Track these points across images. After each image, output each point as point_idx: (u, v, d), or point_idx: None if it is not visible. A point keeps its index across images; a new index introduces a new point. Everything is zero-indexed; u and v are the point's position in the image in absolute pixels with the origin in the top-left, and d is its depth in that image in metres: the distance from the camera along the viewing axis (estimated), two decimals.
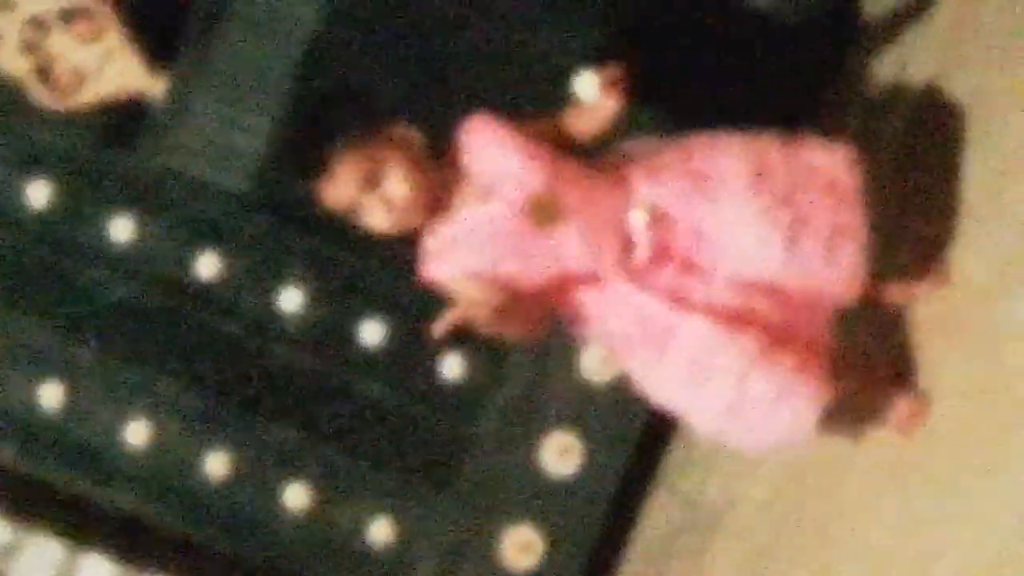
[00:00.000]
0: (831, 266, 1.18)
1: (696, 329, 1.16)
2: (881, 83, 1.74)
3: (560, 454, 1.67)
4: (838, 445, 1.40)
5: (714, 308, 1.17)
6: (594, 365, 1.68)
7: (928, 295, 1.31)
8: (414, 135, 1.19)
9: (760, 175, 1.18)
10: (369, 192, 1.13)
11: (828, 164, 1.22)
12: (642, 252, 1.17)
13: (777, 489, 1.63)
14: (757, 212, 1.16)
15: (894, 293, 1.33)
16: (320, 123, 1.63)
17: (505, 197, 1.16)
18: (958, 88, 1.42)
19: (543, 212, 1.17)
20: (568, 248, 1.17)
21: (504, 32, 1.64)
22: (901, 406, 1.26)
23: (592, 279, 1.20)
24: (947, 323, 1.28)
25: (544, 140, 1.19)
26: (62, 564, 1.67)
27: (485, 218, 1.17)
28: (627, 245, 1.17)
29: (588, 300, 1.21)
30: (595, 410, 1.68)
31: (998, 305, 1.17)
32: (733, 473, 1.73)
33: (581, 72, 1.18)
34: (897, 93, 1.64)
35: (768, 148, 1.21)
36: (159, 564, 1.70)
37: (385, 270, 1.67)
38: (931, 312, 1.30)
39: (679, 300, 1.18)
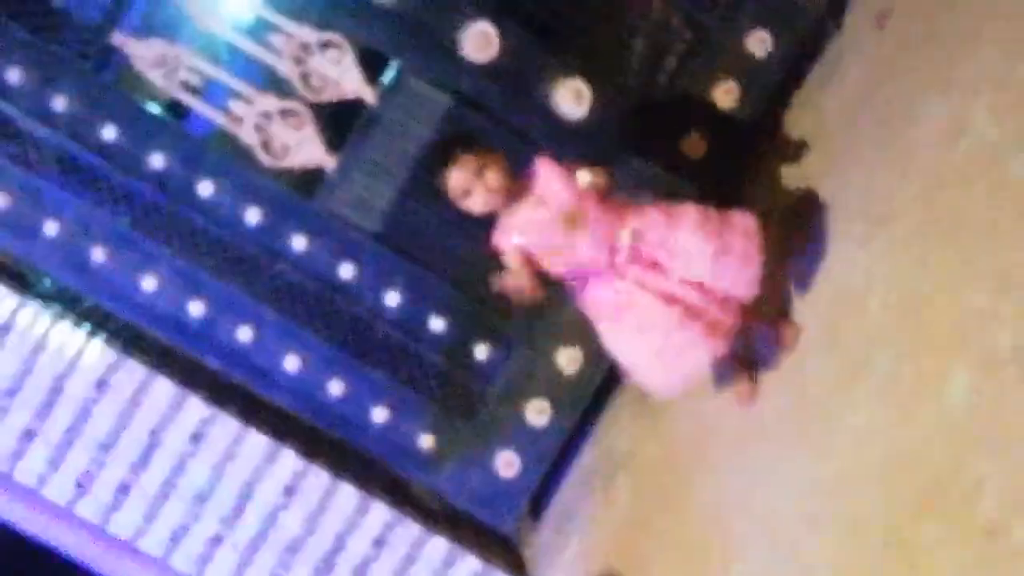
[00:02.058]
0: (739, 278, 2.00)
1: (645, 301, 1.98)
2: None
3: (537, 413, 2.82)
4: (705, 419, 2.42)
5: (663, 293, 1.97)
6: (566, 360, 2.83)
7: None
8: (502, 154, 2.09)
9: (704, 221, 2.06)
10: (477, 181, 1.98)
11: (744, 221, 2.08)
12: (622, 256, 2.00)
13: (660, 453, 2.74)
14: (699, 241, 2.00)
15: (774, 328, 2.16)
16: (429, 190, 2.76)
17: (551, 207, 2.02)
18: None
19: (570, 222, 2.00)
20: (580, 247, 1.99)
21: None
22: (743, 384, 2.17)
23: (591, 268, 2.01)
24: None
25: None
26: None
27: (537, 218, 2.01)
28: (615, 250, 2.00)
29: (586, 282, 2.04)
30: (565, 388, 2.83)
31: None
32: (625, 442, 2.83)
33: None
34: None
35: (709, 209, 2.10)
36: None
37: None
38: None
39: (640, 285, 1.98)
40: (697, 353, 2.05)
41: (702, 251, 2.01)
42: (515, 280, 2.04)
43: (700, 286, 2.00)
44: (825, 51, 2.75)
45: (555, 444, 2.87)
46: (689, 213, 2.09)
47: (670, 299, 1.99)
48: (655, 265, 2.02)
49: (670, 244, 2.02)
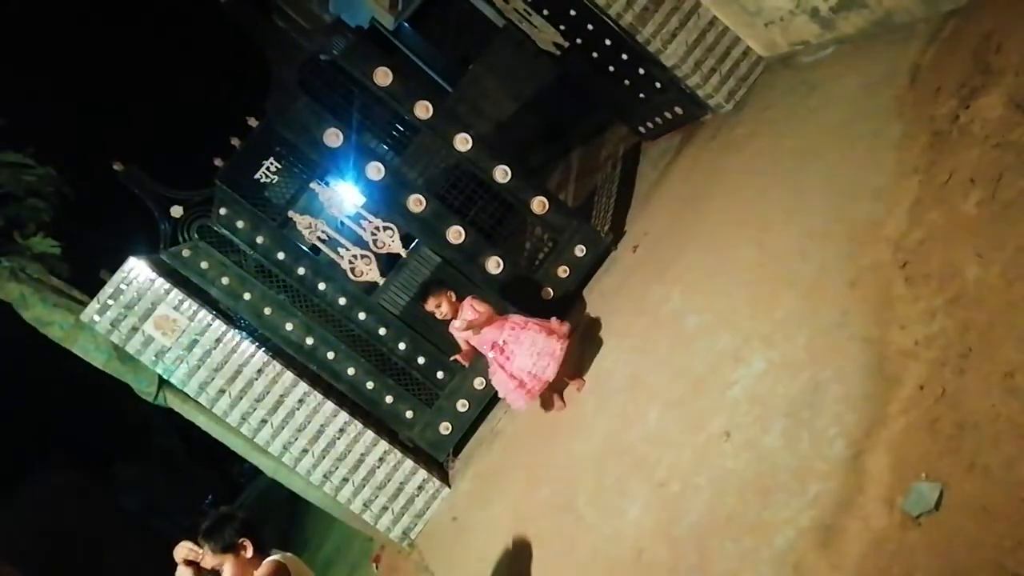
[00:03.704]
0: (547, 369, 5.41)
1: (498, 366, 5.49)
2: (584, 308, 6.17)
3: (462, 406, 6.13)
4: (538, 419, 5.81)
5: (508, 372, 5.51)
6: (478, 383, 6.14)
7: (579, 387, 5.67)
8: (451, 292, 5.51)
9: (539, 326, 5.53)
10: (437, 307, 5.36)
11: (562, 327, 5.48)
12: (498, 346, 5.52)
13: (515, 431, 6.05)
14: (532, 341, 5.51)
15: (570, 382, 5.69)
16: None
17: (471, 319, 5.48)
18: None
19: (479, 325, 5.51)
20: (481, 339, 5.51)
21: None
22: (558, 403, 5.63)
23: (486, 346, 5.56)
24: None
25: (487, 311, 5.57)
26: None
27: (461, 325, 5.54)
28: (495, 344, 5.51)
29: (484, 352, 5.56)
30: (476, 396, 6.14)
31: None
32: (500, 424, 6.17)
33: None
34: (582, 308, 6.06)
35: (543, 321, 5.55)
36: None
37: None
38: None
39: (500, 365, 5.49)
40: (523, 398, 5.38)
41: (530, 351, 5.36)
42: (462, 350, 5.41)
43: (527, 371, 5.35)
44: (606, 259, 6.24)
45: (468, 422, 6.18)
46: (533, 324, 5.49)
47: (510, 377, 5.32)
48: (508, 357, 5.36)
49: (521, 338, 5.35)
